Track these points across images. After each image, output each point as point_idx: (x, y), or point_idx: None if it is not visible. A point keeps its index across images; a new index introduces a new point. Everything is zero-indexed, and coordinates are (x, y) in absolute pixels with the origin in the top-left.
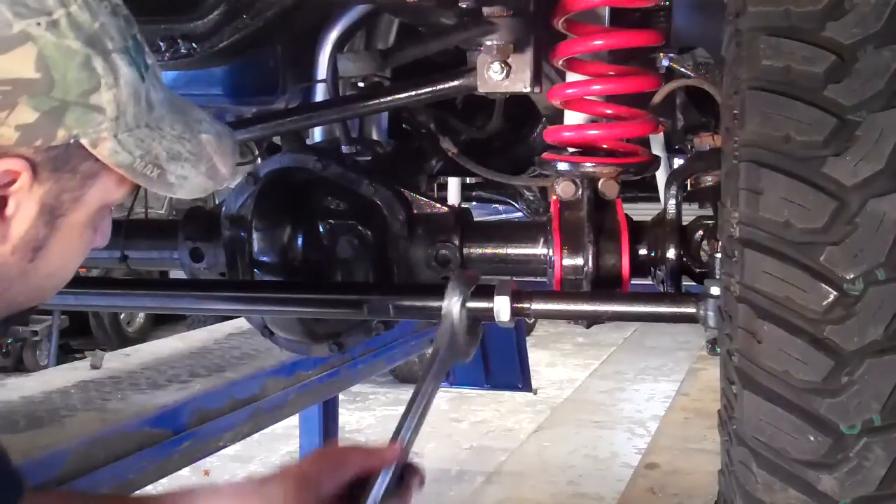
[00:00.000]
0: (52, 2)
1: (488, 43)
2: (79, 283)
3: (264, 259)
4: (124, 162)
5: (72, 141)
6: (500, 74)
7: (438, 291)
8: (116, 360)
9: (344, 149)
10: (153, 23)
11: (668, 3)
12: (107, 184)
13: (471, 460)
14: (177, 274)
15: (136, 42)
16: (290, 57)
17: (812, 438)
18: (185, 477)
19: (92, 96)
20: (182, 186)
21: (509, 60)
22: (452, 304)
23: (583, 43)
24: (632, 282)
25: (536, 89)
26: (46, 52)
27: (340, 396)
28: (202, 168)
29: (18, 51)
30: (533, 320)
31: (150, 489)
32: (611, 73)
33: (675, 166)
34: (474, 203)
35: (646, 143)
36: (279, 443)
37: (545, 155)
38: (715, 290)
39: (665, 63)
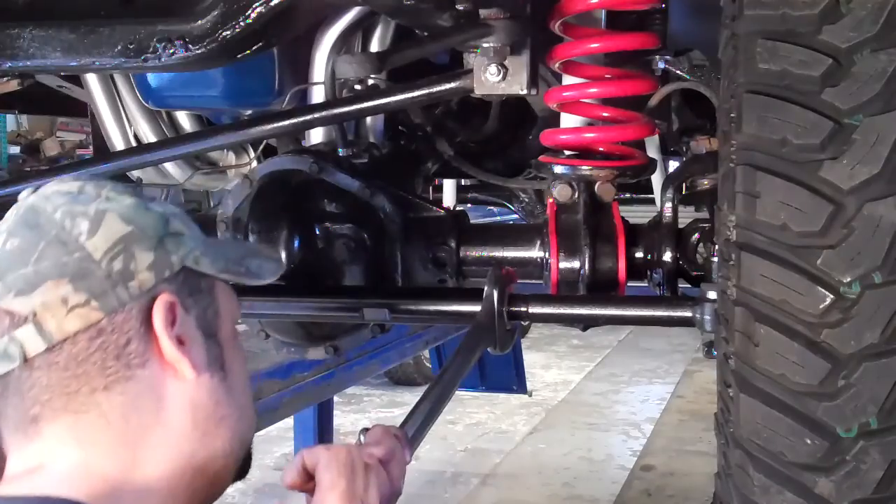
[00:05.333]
0: (91, 190)
1: (485, 45)
2: None
3: None
4: (221, 267)
5: (184, 265)
6: (496, 77)
7: (441, 295)
8: None
9: (340, 151)
10: (149, 24)
11: (664, 5)
12: (223, 293)
13: (466, 462)
14: None
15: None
16: (286, 59)
17: (809, 442)
18: None
19: (169, 227)
20: (261, 271)
21: (506, 63)
22: (492, 289)
23: (579, 46)
24: (628, 285)
25: (533, 92)
26: (120, 212)
27: (335, 398)
28: (263, 257)
29: (105, 221)
30: (528, 323)
31: None
32: (607, 75)
33: (671, 169)
34: (469, 205)
35: (641, 145)
36: (274, 445)
37: (542, 158)
38: (711, 294)
39: (661, 66)
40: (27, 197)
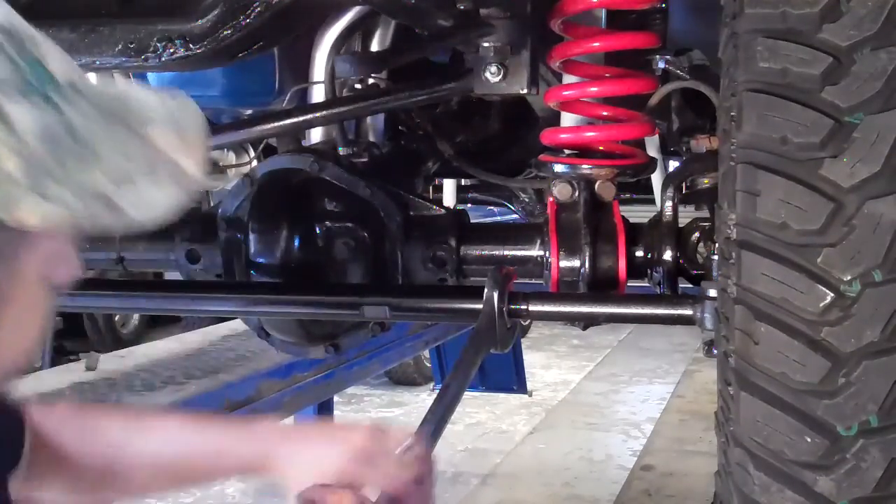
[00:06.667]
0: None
1: (485, 45)
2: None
3: (261, 261)
4: (61, 217)
5: None
6: (497, 76)
7: (442, 292)
8: (111, 362)
9: (341, 150)
10: (150, 24)
11: (664, 5)
12: (46, 249)
13: (466, 462)
14: (172, 275)
15: (37, 65)
16: (287, 58)
17: (809, 440)
18: None
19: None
20: (142, 210)
21: (506, 62)
22: (492, 292)
23: (579, 45)
24: (628, 283)
25: (533, 91)
26: None
27: (335, 398)
28: (163, 177)
29: None
30: (528, 322)
31: None
32: (607, 75)
33: (671, 168)
34: (469, 205)
35: (642, 145)
36: None
37: (542, 157)
38: (712, 292)
39: (661, 65)
40: None
